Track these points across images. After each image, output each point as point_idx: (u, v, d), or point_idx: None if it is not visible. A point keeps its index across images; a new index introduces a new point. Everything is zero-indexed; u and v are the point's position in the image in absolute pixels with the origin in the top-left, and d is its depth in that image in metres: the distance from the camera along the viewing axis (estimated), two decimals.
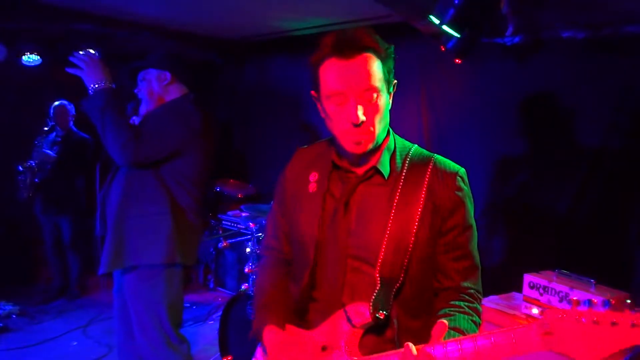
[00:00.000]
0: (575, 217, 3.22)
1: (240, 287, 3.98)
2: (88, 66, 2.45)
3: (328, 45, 1.31)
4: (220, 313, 3.44)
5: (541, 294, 2.65)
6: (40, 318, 4.60)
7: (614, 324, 0.93)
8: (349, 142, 1.34)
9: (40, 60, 4.77)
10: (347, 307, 1.33)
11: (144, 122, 2.56)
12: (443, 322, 1.18)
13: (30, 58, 4.72)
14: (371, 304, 1.29)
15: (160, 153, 2.47)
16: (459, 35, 2.93)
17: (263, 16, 4.30)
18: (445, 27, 2.87)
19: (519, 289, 2.81)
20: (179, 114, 2.53)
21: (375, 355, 1.27)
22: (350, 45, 1.28)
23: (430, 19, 2.86)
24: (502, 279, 3.17)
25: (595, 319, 0.95)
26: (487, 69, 3.66)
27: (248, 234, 4.44)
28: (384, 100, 1.34)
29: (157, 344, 2.55)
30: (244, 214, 4.79)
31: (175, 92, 2.63)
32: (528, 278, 2.74)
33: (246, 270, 3.91)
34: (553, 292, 2.60)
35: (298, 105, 5.04)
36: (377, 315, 1.29)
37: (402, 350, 1.17)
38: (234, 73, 5.94)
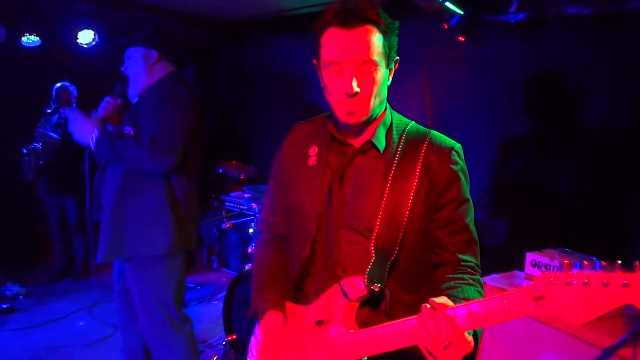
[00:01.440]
0: (577, 195, 3.22)
1: (244, 267, 4.01)
2: (75, 124, 2.46)
3: (331, 14, 1.31)
4: (224, 293, 3.47)
5: (543, 272, 2.66)
6: (46, 299, 4.65)
7: (604, 284, 0.93)
8: (342, 112, 1.36)
9: (40, 41, 4.73)
10: (342, 281, 1.34)
11: (149, 125, 2.42)
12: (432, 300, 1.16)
13: (30, 39, 4.69)
14: (366, 276, 1.31)
15: (184, 149, 2.42)
16: (462, 13, 2.90)
17: None
18: (448, 4, 2.84)
19: (520, 267, 2.82)
20: (177, 101, 2.46)
21: (376, 326, 1.25)
22: (352, 16, 1.29)
23: None
24: (504, 257, 3.19)
25: (586, 280, 0.95)
26: (490, 47, 3.61)
27: (250, 215, 4.46)
28: (382, 75, 1.34)
29: (160, 324, 2.58)
30: (246, 195, 4.80)
31: (161, 70, 2.56)
32: (530, 256, 2.74)
33: (249, 250, 3.94)
34: (555, 270, 2.61)
35: (299, 85, 5.01)
36: (372, 287, 1.30)
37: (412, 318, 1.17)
38: (235, 53, 5.89)
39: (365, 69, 1.30)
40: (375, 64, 1.31)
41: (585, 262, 0.99)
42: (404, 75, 3.91)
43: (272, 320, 1.43)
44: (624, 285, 0.91)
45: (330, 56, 1.32)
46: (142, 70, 2.53)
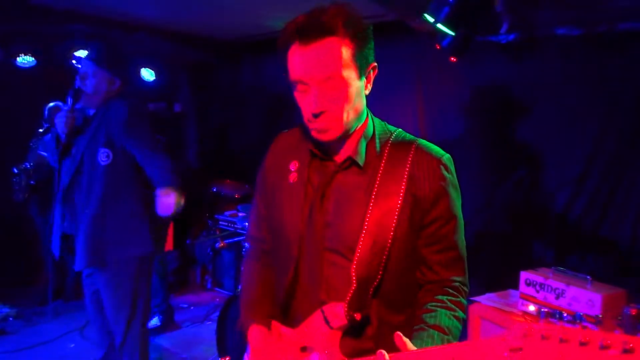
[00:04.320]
0: (571, 214, 3.23)
1: (238, 287, 3.98)
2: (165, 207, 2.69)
3: (291, 29, 1.22)
4: (218, 313, 3.43)
5: (537, 291, 2.66)
6: (37, 320, 4.59)
7: (582, 343, 0.84)
8: (312, 131, 1.29)
9: (35, 61, 4.75)
10: (324, 307, 1.28)
11: (136, 147, 2.65)
12: (399, 334, 1.10)
13: (25, 60, 4.70)
14: (347, 304, 1.24)
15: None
16: (453, 34, 2.94)
17: (257, 16, 4.29)
18: (440, 26, 2.87)
19: (515, 286, 2.82)
20: (149, 119, 2.74)
21: None
22: (312, 30, 1.19)
23: (425, 17, 2.87)
24: (499, 277, 3.18)
25: (562, 336, 0.86)
26: (482, 67, 3.66)
27: (245, 234, 4.44)
28: (354, 88, 1.24)
29: (134, 327, 2.72)
30: (240, 214, 4.79)
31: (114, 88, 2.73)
32: (524, 275, 2.74)
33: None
34: (549, 289, 2.61)
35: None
36: (353, 316, 1.24)
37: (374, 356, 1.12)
38: (230, 73, 5.93)
39: (331, 85, 1.21)
40: (342, 78, 1.21)
41: (564, 312, 0.91)
42: (398, 94, 3.96)
43: (257, 334, 1.38)
44: (603, 347, 0.82)
45: (294, 74, 1.24)
46: (102, 91, 2.67)
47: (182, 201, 2.69)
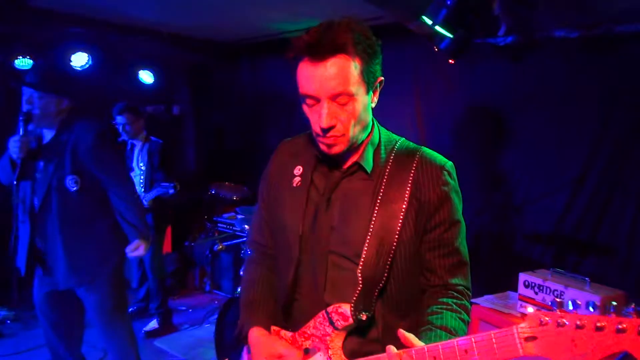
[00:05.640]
0: (570, 215, 3.24)
1: (237, 290, 3.98)
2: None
3: (302, 44, 1.24)
4: (216, 316, 3.43)
5: (536, 293, 2.66)
6: (34, 323, 4.55)
7: (598, 328, 0.85)
8: (321, 145, 1.32)
9: (34, 63, 4.74)
10: (329, 308, 1.29)
11: (104, 174, 2.65)
12: (402, 331, 1.15)
13: (23, 62, 4.69)
14: (352, 304, 1.26)
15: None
16: (451, 36, 2.94)
17: (256, 18, 4.30)
18: (438, 28, 2.87)
19: (514, 288, 2.82)
20: (111, 139, 2.80)
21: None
22: (323, 47, 1.21)
23: (423, 19, 2.87)
24: (498, 278, 3.18)
25: (578, 322, 0.88)
26: (480, 69, 3.67)
27: (243, 236, 4.44)
28: (361, 103, 1.28)
29: (124, 333, 2.85)
30: (239, 216, 4.78)
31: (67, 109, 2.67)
32: (523, 277, 2.74)
33: (242, 272, 3.90)
34: (548, 290, 2.61)
35: (292, 106, 5.04)
36: (359, 316, 1.26)
37: (383, 354, 1.15)
38: (229, 75, 5.93)
39: (340, 102, 1.25)
40: (350, 94, 1.24)
41: (578, 301, 0.90)
42: (396, 97, 3.97)
43: (258, 335, 1.39)
44: (619, 331, 0.83)
45: (304, 89, 1.27)
46: (52, 112, 2.59)
47: (149, 244, 2.78)
